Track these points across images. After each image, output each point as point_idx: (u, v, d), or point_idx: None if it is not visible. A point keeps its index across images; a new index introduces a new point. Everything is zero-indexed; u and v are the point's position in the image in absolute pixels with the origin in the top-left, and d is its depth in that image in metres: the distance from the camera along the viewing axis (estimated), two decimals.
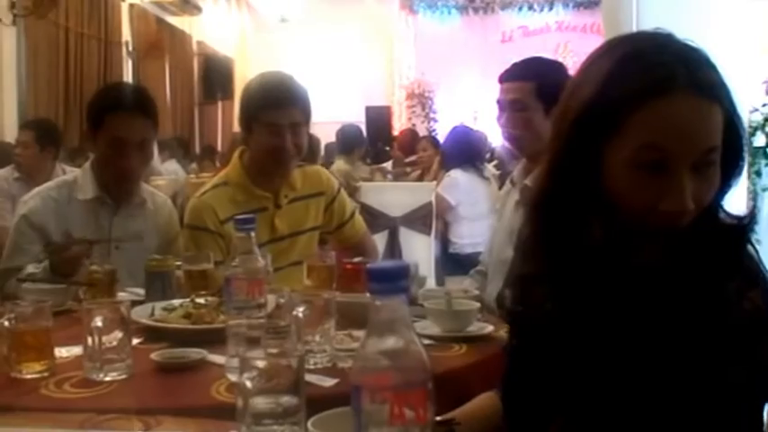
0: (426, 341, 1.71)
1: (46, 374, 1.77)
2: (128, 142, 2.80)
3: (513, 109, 2.83)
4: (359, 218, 3.30)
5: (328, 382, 1.70)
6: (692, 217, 1.26)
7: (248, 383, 1.21)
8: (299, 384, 1.23)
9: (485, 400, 1.58)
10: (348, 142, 7.69)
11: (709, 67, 1.29)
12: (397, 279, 0.90)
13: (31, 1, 7.97)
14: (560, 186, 1.33)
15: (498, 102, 2.91)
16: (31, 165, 5.24)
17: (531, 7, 15.12)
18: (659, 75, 1.25)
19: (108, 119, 2.81)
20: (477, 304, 2.14)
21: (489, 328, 2.09)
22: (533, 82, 2.79)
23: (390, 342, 0.91)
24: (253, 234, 1.79)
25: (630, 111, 1.25)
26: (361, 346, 0.93)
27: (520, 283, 1.46)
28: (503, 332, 2.10)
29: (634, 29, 5.67)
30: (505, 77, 2.90)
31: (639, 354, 1.28)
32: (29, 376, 1.77)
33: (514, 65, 2.93)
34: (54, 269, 2.60)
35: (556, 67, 2.95)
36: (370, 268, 0.91)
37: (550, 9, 15.06)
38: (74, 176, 2.98)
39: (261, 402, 1.22)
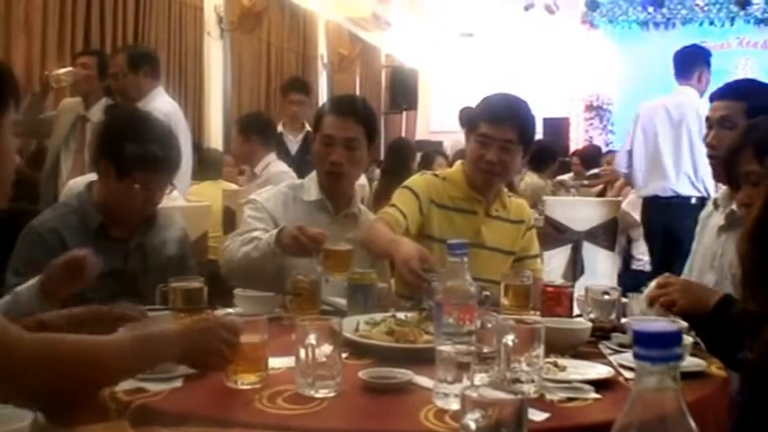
0: (632, 374, 1.54)
1: (258, 386, 1.73)
2: (335, 138, 2.88)
3: (720, 126, 2.75)
4: (539, 261, 3.21)
5: (538, 416, 1.57)
6: None
7: (472, 425, 1.11)
8: (522, 427, 1.12)
9: None
10: (541, 158, 7.50)
11: None
12: (671, 346, 0.76)
13: (237, 17, 8.24)
14: None
15: (707, 119, 2.84)
16: None
17: (711, 22, 14.47)
18: None
19: (323, 120, 2.94)
20: (690, 339, 1.96)
21: (702, 365, 1.89)
22: (743, 101, 2.70)
23: (657, 415, 0.77)
24: (465, 259, 1.69)
25: None
26: (623, 414, 0.80)
27: (746, 321, 1.29)
28: (714, 368, 1.92)
29: None
30: (716, 96, 2.83)
31: None
32: (243, 387, 1.73)
33: (727, 84, 2.82)
34: (283, 247, 2.59)
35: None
36: (638, 331, 0.77)
37: (732, 24, 14.34)
38: (301, 181, 3.07)
39: None
